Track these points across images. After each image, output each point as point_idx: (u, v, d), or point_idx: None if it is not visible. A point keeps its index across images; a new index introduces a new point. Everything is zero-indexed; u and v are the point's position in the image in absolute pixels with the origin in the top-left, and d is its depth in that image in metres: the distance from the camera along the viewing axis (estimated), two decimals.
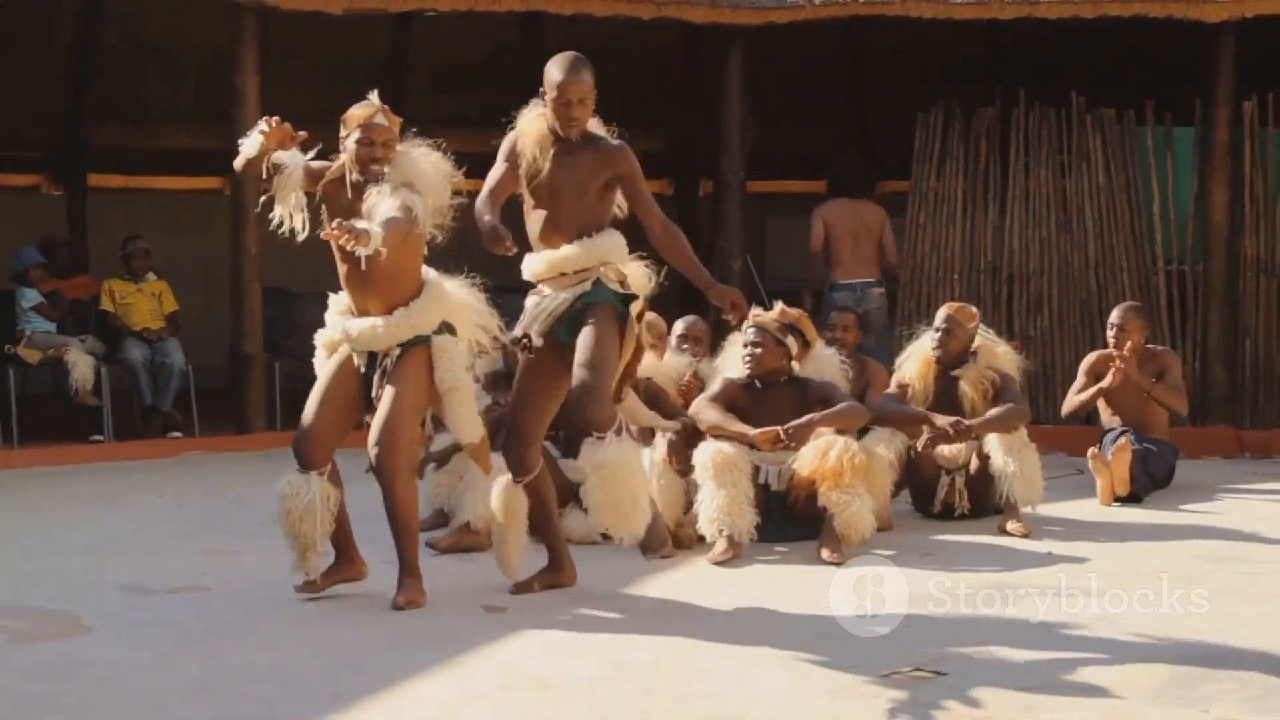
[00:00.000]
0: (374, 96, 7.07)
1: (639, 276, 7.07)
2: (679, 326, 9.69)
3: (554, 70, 6.95)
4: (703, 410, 8.63)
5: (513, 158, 7.06)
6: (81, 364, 12.68)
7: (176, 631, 6.62)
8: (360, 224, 6.59)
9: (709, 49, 14.88)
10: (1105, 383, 10.53)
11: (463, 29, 15.83)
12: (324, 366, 7.17)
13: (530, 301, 7.14)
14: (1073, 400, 10.76)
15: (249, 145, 6.94)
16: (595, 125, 7.08)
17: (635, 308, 7.01)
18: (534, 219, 7.08)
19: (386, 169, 6.94)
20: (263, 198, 7.15)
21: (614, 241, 7.03)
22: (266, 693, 5.69)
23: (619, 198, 7.11)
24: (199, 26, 15.90)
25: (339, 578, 7.22)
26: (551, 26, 16.02)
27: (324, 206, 7.01)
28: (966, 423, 9.13)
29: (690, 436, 8.58)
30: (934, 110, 14.07)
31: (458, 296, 7.21)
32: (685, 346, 9.56)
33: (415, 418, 7.09)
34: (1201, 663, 5.92)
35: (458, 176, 7.11)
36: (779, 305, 9.08)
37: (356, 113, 7.00)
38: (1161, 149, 13.77)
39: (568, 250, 6.97)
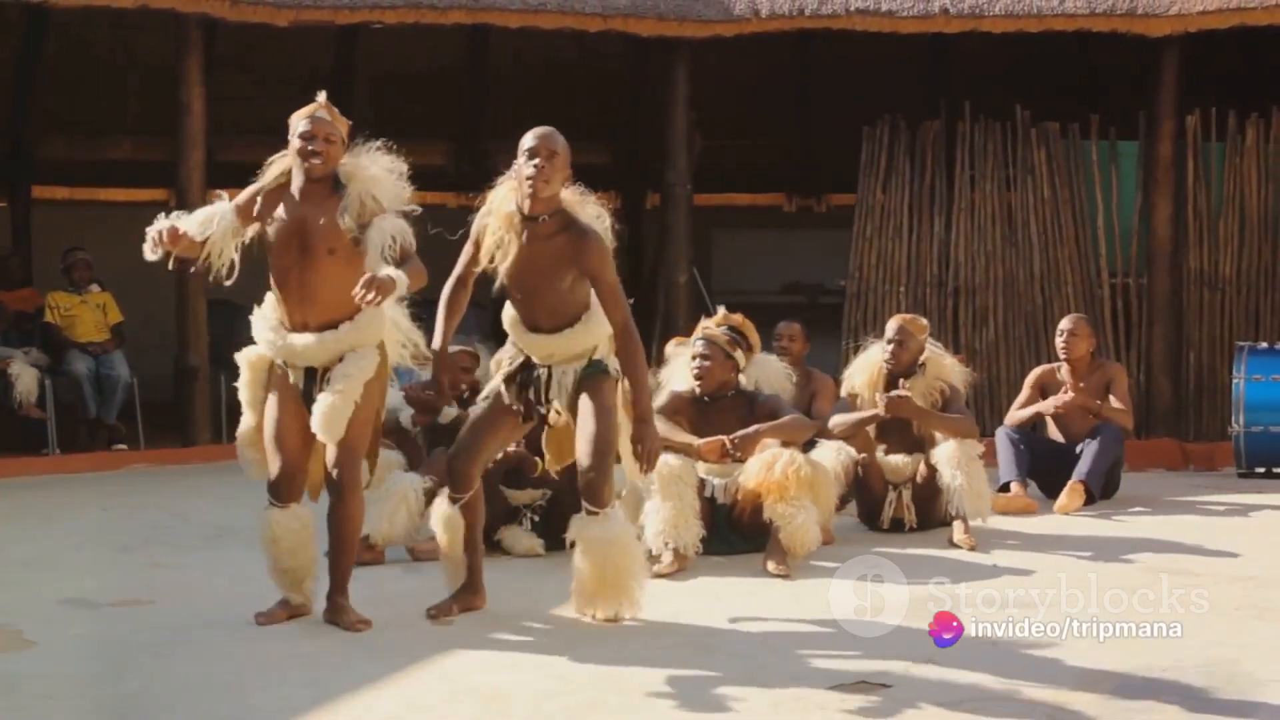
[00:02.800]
0: (321, 97, 6.93)
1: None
2: None
3: (525, 138, 6.66)
4: None
5: (476, 245, 6.81)
6: (25, 376, 12.60)
7: (119, 646, 6.57)
8: (383, 272, 6.50)
9: (656, 62, 14.90)
10: (1049, 406, 10.59)
11: (409, 41, 15.81)
12: (263, 398, 6.94)
13: (509, 354, 7.02)
14: (1014, 416, 10.79)
15: (149, 251, 6.81)
16: (574, 200, 6.80)
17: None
18: (511, 295, 6.87)
19: (340, 172, 6.80)
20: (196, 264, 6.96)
21: (601, 323, 6.80)
22: (210, 707, 5.67)
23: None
24: (143, 38, 15.88)
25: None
26: (498, 39, 16.02)
27: (267, 220, 6.82)
28: (900, 393, 9.17)
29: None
30: (880, 124, 14.12)
31: (388, 313, 7.00)
32: None
33: (369, 431, 6.98)
34: (1144, 678, 5.95)
35: (406, 184, 6.92)
36: (721, 310, 9.08)
37: (300, 110, 6.87)
38: (1106, 163, 13.84)
39: (559, 340, 6.79)
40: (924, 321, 9.70)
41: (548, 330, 6.81)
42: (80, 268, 13.60)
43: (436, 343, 6.89)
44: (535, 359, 6.88)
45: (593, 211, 6.82)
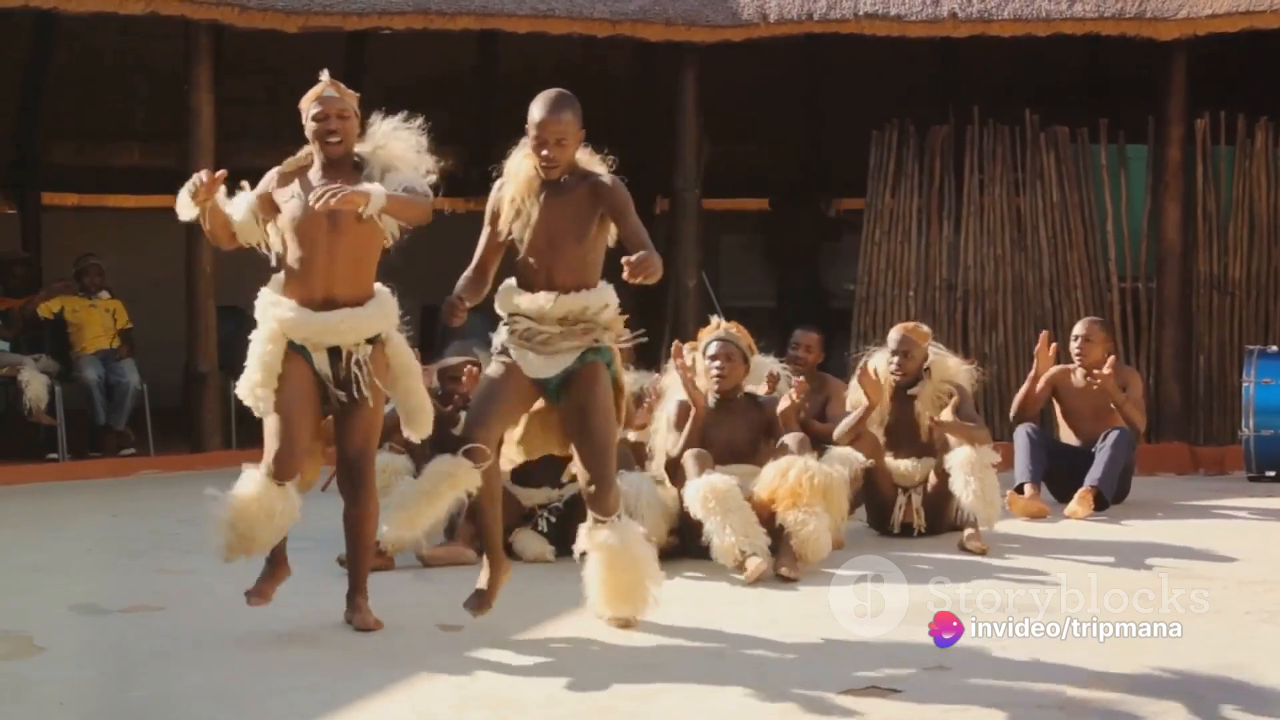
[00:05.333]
0: (325, 75, 6.90)
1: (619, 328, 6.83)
2: None
3: (533, 109, 6.61)
4: (680, 451, 8.64)
5: (494, 219, 6.74)
6: (35, 383, 12.61)
7: (128, 652, 6.58)
8: (363, 187, 6.45)
9: (664, 67, 14.89)
10: (1079, 382, 10.55)
11: (418, 47, 15.80)
12: (279, 380, 6.73)
13: (508, 331, 6.76)
14: (1021, 397, 10.76)
15: (184, 206, 6.70)
16: (586, 158, 6.80)
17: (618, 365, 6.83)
18: (527, 263, 6.70)
19: (360, 151, 6.80)
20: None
21: (611, 298, 6.74)
22: (219, 713, 5.67)
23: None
24: (152, 45, 15.89)
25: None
26: (507, 45, 16.02)
27: (284, 198, 6.77)
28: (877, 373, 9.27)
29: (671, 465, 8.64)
30: (889, 128, 14.11)
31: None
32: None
33: (382, 421, 7.01)
34: (1153, 681, 5.95)
35: (428, 158, 6.90)
36: (714, 319, 9.09)
37: (309, 93, 6.85)
38: (1115, 166, 13.83)
39: (575, 299, 6.63)
40: (925, 329, 9.68)
41: (566, 288, 6.64)
42: (92, 273, 13.65)
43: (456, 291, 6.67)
44: (541, 318, 6.65)
45: (598, 164, 6.83)
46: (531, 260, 6.69)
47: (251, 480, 6.71)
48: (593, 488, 6.69)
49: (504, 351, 6.74)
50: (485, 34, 14.95)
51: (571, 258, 6.66)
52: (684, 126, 14.10)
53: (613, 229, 6.75)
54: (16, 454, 12.76)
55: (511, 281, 6.79)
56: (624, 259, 6.37)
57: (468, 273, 6.82)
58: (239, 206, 6.87)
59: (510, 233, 6.69)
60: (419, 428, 7.03)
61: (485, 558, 6.96)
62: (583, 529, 6.84)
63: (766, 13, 13.39)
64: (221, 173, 6.74)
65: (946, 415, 9.23)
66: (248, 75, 16.26)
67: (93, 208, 17.65)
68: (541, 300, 6.64)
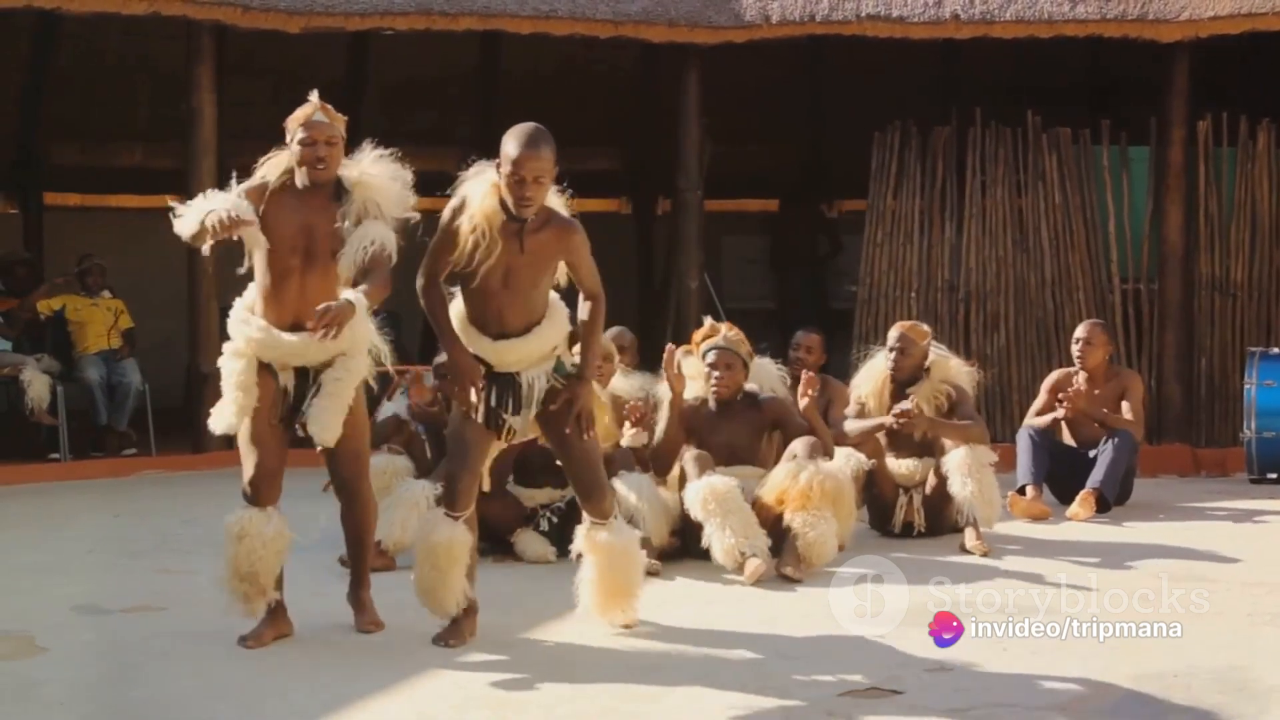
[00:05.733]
0: (314, 96, 6.81)
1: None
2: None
3: (510, 144, 6.34)
4: (663, 442, 8.66)
5: (451, 234, 6.44)
6: (37, 383, 12.62)
7: (130, 652, 6.58)
8: (344, 296, 6.46)
9: (667, 68, 14.90)
10: (1062, 412, 10.55)
11: (420, 48, 15.81)
12: (244, 401, 6.68)
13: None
14: (1032, 422, 10.76)
15: (188, 227, 6.57)
16: (551, 196, 6.52)
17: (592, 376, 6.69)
18: (478, 298, 6.51)
19: (343, 178, 6.74)
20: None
21: (563, 318, 6.64)
22: (220, 713, 5.67)
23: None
24: (155, 45, 15.88)
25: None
26: (510, 46, 16.02)
27: (268, 216, 6.68)
28: (906, 405, 9.17)
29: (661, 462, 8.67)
30: (891, 129, 14.11)
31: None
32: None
33: (367, 420, 7.03)
34: (1156, 682, 5.94)
35: (411, 194, 6.83)
36: (709, 321, 9.08)
37: (297, 114, 6.78)
38: (1117, 168, 13.83)
39: (530, 342, 6.51)
40: (925, 328, 9.67)
41: (517, 332, 6.51)
42: (95, 273, 13.68)
43: (448, 348, 6.56)
44: (501, 368, 6.55)
45: (558, 202, 6.62)
46: (482, 297, 6.51)
47: (235, 523, 6.66)
48: (589, 498, 6.71)
49: (505, 427, 6.62)
50: (487, 35, 14.96)
51: (523, 300, 6.51)
52: (686, 127, 14.10)
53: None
54: (18, 454, 12.77)
55: (463, 312, 6.60)
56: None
57: (427, 287, 6.57)
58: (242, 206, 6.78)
59: (464, 261, 6.45)
60: (324, 433, 6.74)
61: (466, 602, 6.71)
62: (580, 530, 6.84)
63: (769, 14, 13.39)
64: (251, 219, 6.62)
65: (928, 410, 9.25)
66: (250, 76, 16.25)
67: (95, 208, 17.66)
68: (502, 347, 6.51)
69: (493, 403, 6.54)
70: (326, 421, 6.69)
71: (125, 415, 13.17)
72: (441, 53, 16.66)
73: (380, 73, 16.96)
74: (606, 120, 17.11)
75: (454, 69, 17.36)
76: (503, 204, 6.38)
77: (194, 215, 6.53)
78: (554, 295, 6.67)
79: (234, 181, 6.84)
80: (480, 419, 6.54)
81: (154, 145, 16.88)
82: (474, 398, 6.44)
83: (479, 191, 6.43)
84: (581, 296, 6.66)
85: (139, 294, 14.39)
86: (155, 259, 15.41)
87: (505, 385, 6.55)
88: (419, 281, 6.59)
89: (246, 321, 6.78)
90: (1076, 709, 5.64)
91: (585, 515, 6.79)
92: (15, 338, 13.30)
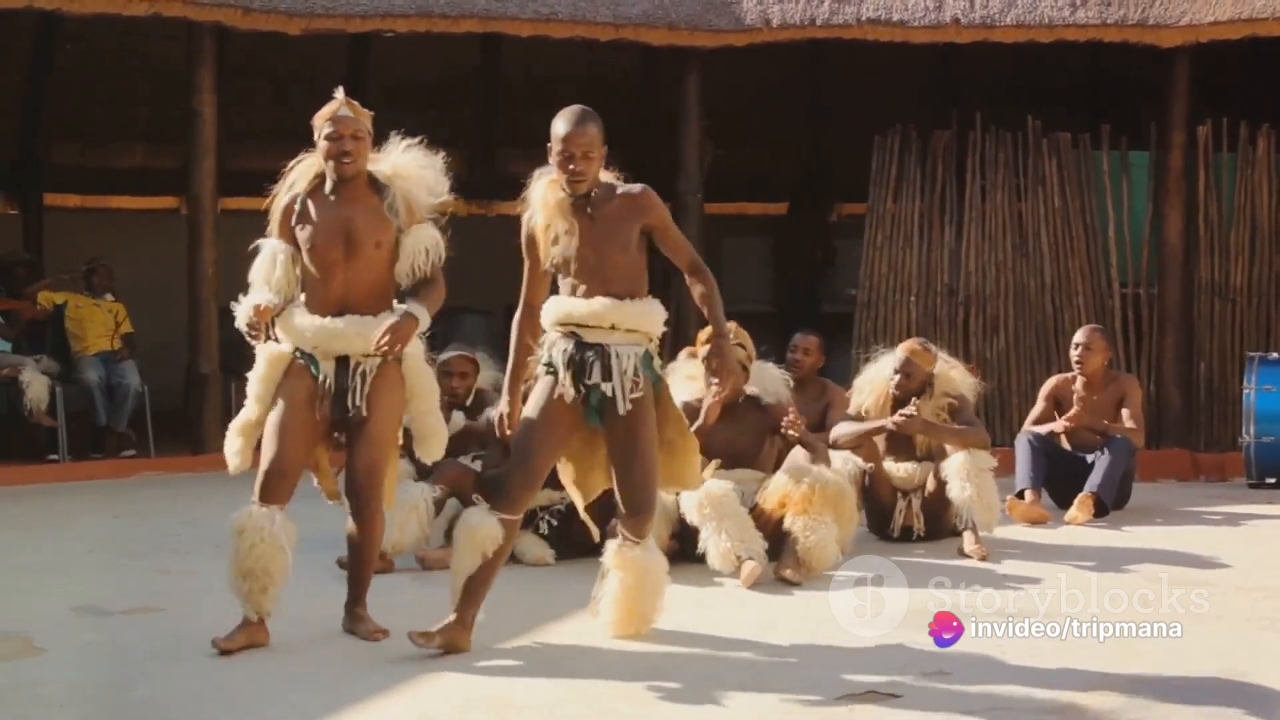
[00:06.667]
0: (340, 93, 6.92)
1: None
2: None
3: (558, 124, 6.49)
4: None
5: (533, 251, 6.60)
6: (36, 384, 12.62)
7: (129, 653, 6.58)
8: (400, 310, 6.66)
9: (667, 71, 14.91)
10: (1059, 427, 10.56)
11: (420, 50, 15.82)
12: (276, 394, 6.76)
13: (564, 346, 6.54)
14: (1031, 427, 10.76)
15: (259, 344, 6.80)
16: (606, 175, 6.68)
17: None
18: (572, 285, 6.55)
19: (375, 173, 6.81)
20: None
21: (659, 314, 6.66)
22: (220, 715, 5.67)
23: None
24: (155, 46, 15.90)
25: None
26: (510, 48, 16.03)
27: (303, 218, 6.76)
28: (909, 411, 9.17)
29: None
30: (891, 133, 14.12)
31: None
32: None
33: (396, 438, 6.92)
34: (1155, 686, 5.94)
35: (444, 178, 6.91)
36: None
37: (323, 110, 6.84)
38: (1117, 173, 13.84)
39: (625, 307, 6.50)
40: (933, 353, 9.57)
41: (621, 296, 6.52)
42: (102, 274, 13.78)
43: (506, 389, 6.65)
44: (592, 336, 6.50)
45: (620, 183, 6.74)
46: (581, 279, 6.54)
47: (241, 520, 6.62)
48: (636, 517, 6.65)
49: (550, 366, 6.59)
50: (488, 37, 14.96)
51: (621, 266, 6.54)
52: (687, 130, 14.12)
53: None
54: (17, 455, 12.78)
55: (565, 295, 6.62)
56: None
57: (520, 315, 6.71)
58: (275, 265, 6.81)
59: (552, 261, 6.57)
60: (430, 451, 7.04)
61: (456, 611, 6.59)
62: (612, 545, 6.78)
63: (769, 17, 13.40)
64: (265, 304, 6.75)
65: (927, 412, 9.25)
66: (251, 77, 16.26)
67: (95, 209, 17.65)
68: (597, 305, 6.50)
69: (582, 374, 6.50)
70: (426, 438, 6.97)
71: (124, 416, 13.18)
72: (442, 55, 16.67)
73: (381, 75, 16.97)
74: (606, 123, 17.04)
75: (454, 71, 17.37)
76: (564, 190, 6.55)
77: (240, 314, 6.80)
78: (652, 299, 6.66)
79: (282, 186, 6.91)
80: (568, 391, 6.51)
81: (154, 146, 16.89)
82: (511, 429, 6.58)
83: (538, 192, 6.62)
84: (686, 277, 6.76)
85: (138, 294, 14.40)
86: (155, 260, 15.46)
87: (595, 355, 6.51)
88: (518, 312, 6.72)
89: (289, 313, 6.80)
90: (1075, 711, 5.63)
91: (620, 530, 6.74)
92: (15, 338, 13.30)
